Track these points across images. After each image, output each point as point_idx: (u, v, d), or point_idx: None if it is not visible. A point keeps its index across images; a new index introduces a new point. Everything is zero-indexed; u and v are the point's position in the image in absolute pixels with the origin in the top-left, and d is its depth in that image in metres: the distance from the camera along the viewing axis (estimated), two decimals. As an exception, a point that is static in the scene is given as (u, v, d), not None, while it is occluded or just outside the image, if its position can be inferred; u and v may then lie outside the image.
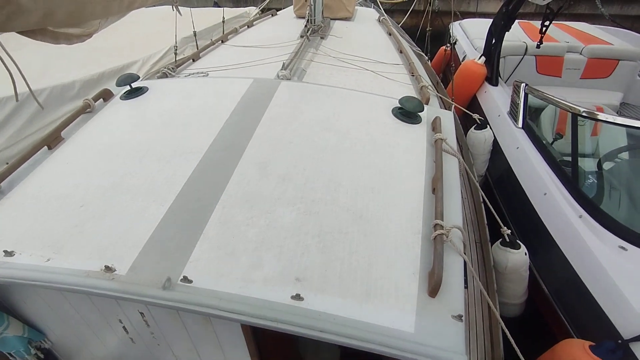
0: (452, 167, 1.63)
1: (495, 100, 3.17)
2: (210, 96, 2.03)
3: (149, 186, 1.43)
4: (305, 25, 3.37)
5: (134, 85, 2.11)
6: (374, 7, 4.72)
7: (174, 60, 3.40)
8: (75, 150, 1.71)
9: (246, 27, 3.74)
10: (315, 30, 3.32)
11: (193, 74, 2.65)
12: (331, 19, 3.78)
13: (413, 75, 2.66)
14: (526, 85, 2.74)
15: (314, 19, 3.35)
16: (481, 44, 4.19)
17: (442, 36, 6.21)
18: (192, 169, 1.49)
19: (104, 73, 3.16)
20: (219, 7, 7.84)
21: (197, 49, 3.34)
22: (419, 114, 1.85)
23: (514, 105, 2.83)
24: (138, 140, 1.71)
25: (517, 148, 2.56)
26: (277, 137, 1.67)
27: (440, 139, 1.66)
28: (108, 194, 1.41)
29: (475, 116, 2.54)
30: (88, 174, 1.53)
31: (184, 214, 1.32)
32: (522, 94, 2.73)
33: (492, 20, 5.15)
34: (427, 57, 3.87)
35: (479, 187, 2.11)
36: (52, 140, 1.74)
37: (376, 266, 1.16)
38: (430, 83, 2.90)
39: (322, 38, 3.28)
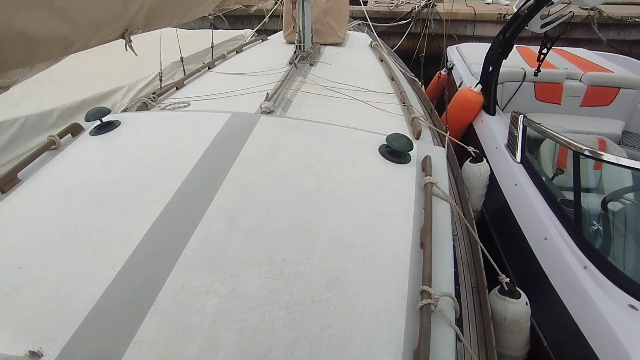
0: (443, 213, 1.47)
1: (492, 130, 3.04)
2: (185, 132, 1.89)
3: (101, 242, 1.27)
4: (294, 52, 3.27)
5: (105, 119, 1.97)
6: (367, 31, 4.65)
7: (159, 87, 3.31)
8: (30, 195, 1.55)
9: (235, 52, 3.64)
10: (304, 56, 3.21)
11: (175, 103, 2.53)
12: (321, 45, 3.69)
13: (404, 105, 2.54)
14: (524, 117, 2.61)
15: (303, 46, 3.26)
16: (479, 69, 4.09)
17: (438, 59, 6.16)
18: (151, 221, 1.33)
19: (85, 100, 3.03)
20: (216, 28, 7.87)
21: (185, 74, 3.24)
22: (409, 152, 1.72)
23: (511, 138, 2.70)
24: (100, 183, 1.55)
25: (515, 185, 2.41)
26: (251, 181, 1.52)
27: (430, 182, 1.51)
28: (54, 252, 1.24)
29: (471, 149, 2.40)
30: (37, 225, 1.36)
31: (135, 278, 1.15)
32: (520, 127, 2.60)
33: (489, 44, 5.18)
34: (420, 83, 3.77)
35: (474, 230, 1.95)
36: (7, 183, 1.57)
37: (352, 344, 0.99)
38: (423, 113, 2.78)
39: (311, 65, 3.17)
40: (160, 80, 3.31)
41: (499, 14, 7.11)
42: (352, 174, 1.59)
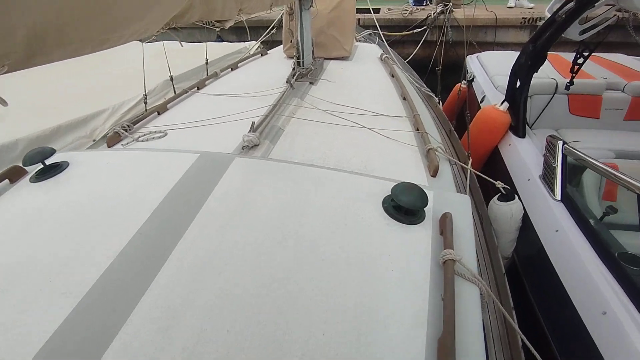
0: (470, 304, 1.04)
1: (523, 157, 2.57)
2: (142, 177, 1.52)
3: (5, 340, 0.90)
4: (293, 68, 2.90)
5: (51, 161, 1.63)
6: (378, 42, 4.24)
7: (144, 110, 2.99)
8: None
9: (229, 69, 3.30)
10: (303, 74, 2.84)
11: (150, 133, 2.20)
12: (325, 59, 3.31)
13: (418, 131, 2.12)
14: (564, 144, 2.14)
15: (302, 61, 2.88)
16: (503, 82, 3.62)
17: (457, 69, 5.69)
18: (64, 316, 0.96)
19: (60, 127, 2.73)
20: (222, 41, 7.58)
21: (175, 93, 2.92)
22: (422, 208, 1.30)
23: (548, 169, 2.23)
24: (23, 249, 1.20)
25: (557, 231, 1.94)
26: (206, 258, 1.12)
27: (451, 259, 1.09)
28: None
29: (499, 185, 1.95)
30: None
31: None
32: (559, 156, 2.13)
33: (514, 52, 4.67)
34: (438, 99, 3.34)
35: (514, 320, 1.47)
36: None
37: None
38: (440, 139, 2.34)
39: (311, 83, 2.79)
40: (145, 103, 3.00)
41: (523, 18, 6.59)
42: (344, 242, 1.17)
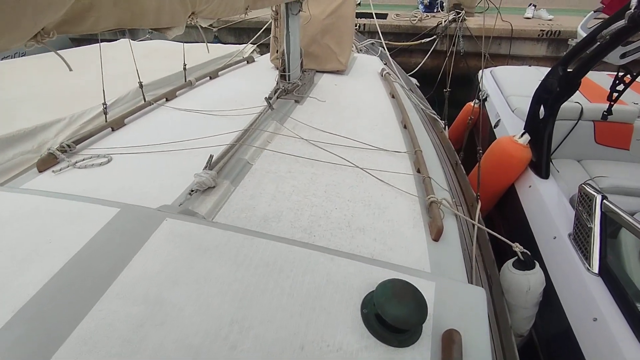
0: None
1: (547, 205, 2.11)
2: (36, 235, 1.12)
3: None
4: (277, 83, 2.47)
5: None
6: (380, 53, 3.79)
7: (104, 120, 2.56)
8: None
9: (208, 78, 2.87)
10: (288, 90, 2.40)
11: (92, 157, 1.80)
12: (317, 72, 2.87)
13: (419, 172, 1.69)
14: (604, 198, 1.68)
15: (289, 75, 2.45)
16: (521, 104, 3.17)
17: (466, 82, 5.23)
18: None
19: (-2, 140, 2.31)
20: (220, 42, 7.14)
21: (145, 101, 2.51)
22: (415, 327, 0.86)
23: (581, 228, 1.77)
24: None
25: (595, 320, 1.49)
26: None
27: None
28: None
29: (517, 249, 1.50)
30: None
31: None
32: (597, 216, 1.67)
33: (534, 69, 4.21)
34: (443, 124, 2.90)
35: None
36: None
37: None
38: (445, 182, 1.90)
39: (296, 102, 2.36)
40: (105, 113, 2.56)
41: (541, 30, 6.11)
42: None
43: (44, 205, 1.26)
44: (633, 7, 1.67)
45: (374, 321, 0.85)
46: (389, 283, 0.84)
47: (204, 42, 5.15)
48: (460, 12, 6.44)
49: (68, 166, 1.70)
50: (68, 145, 1.83)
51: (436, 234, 1.33)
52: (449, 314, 0.88)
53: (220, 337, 0.81)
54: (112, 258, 1.00)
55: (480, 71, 3.90)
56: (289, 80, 2.46)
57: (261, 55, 4.26)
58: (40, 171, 1.67)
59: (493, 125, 3.26)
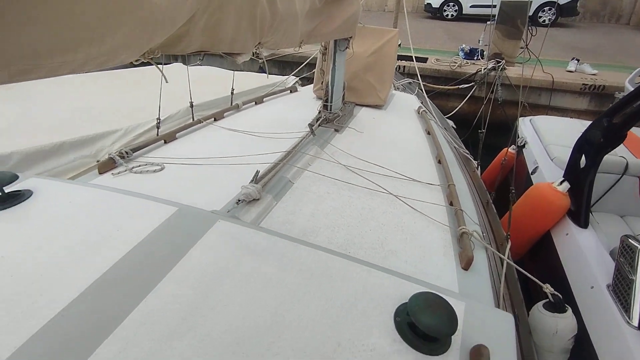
0: None
1: (585, 254, 2.04)
2: (106, 226, 1.25)
3: None
4: (319, 112, 2.60)
5: (12, 188, 1.40)
6: (417, 93, 3.90)
7: (156, 134, 2.77)
8: None
9: (254, 103, 3.06)
10: (329, 119, 2.52)
11: (147, 164, 1.96)
12: (357, 105, 3.00)
13: (452, 205, 1.71)
14: (648, 252, 1.62)
15: (331, 105, 2.58)
16: (560, 153, 3.14)
17: (503, 130, 5.22)
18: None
19: (63, 144, 2.53)
20: (264, 72, 7.56)
21: (193, 120, 2.70)
22: (445, 337, 0.89)
23: (621, 280, 1.70)
24: None
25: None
26: (154, 347, 0.83)
27: None
28: None
29: (548, 289, 1.45)
30: None
31: None
32: (639, 268, 1.61)
33: (577, 121, 4.16)
34: (476, 163, 2.90)
35: None
36: None
37: None
38: (476, 217, 1.90)
39: (336, 131, 2.47)
40: (158, 127, 2.77)
41: (584, 84, 6.08)
42: None
43: (111, 199, 1.39)
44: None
45: (407, 329, 0.88)
46: (422, 295, 0.88)
47: (249, 72, 5.51)
48: (500, 62, 6.54)
49: (125, 170, 1.85)
50: (126, 152, 2.01)
51: (466, 263, 1.34)
52: (478, 333, 0.89)
53: (263, 328, 0.86)
54: (170, 249, 1.09)
55: (519, 118, 3.91)
56: (330, 110, 2.59)
57: (302, 86, 4.49)
58: (100, 173, 1.83)
59: (530, 172, 3.22)
